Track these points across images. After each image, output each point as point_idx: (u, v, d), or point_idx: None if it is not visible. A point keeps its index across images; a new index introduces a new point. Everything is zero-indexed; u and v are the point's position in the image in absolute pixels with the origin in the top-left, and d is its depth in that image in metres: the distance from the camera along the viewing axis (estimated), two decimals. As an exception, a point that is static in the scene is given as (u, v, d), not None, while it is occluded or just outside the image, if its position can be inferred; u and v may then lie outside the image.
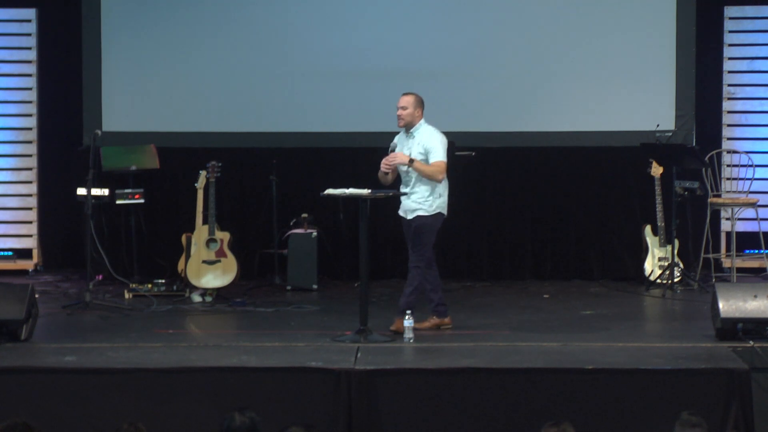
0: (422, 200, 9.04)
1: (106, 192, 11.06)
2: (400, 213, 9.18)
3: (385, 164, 9.09)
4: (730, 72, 11.99)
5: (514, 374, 7.84)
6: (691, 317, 9.84)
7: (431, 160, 9.00)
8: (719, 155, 11.80)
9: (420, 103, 9.12)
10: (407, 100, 9.08)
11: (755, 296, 8.49)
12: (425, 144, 9.02)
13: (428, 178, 8.99)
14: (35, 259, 12.09)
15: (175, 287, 10.69)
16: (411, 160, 8.99)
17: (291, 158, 11.70)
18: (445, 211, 9.12)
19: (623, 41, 11.72)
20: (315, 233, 11.29)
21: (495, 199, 11.96)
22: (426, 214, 9.04)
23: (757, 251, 11.68)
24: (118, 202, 11.12)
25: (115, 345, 8.52)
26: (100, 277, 11.20)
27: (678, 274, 11.02)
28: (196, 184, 10.62)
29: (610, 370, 7.85)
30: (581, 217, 11.92)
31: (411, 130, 9.10)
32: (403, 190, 9.11)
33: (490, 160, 11.79)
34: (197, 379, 7.80)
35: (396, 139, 9.23)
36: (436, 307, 9.18)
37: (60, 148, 12.07)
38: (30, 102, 12.11)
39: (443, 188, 9.07)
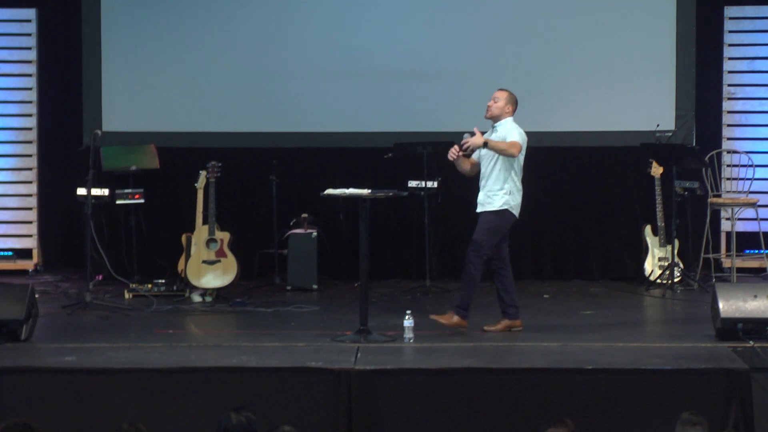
0: (492, 194, 8.99)
1: (106, 192, 11.07)
2: (477, 211, 9.09)
3: (453, 150, 8.97)
4: (730, 72, 11.99)
5: (514, 374, 7.85)
6: (691, 317, 9.84)
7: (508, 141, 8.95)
8: (719, 155, 11.80)
9: (513, 102, 9.08)
10: (500, 95, 9.08)
11: (755, 296, 8.49)
12: (504, 134, 8.97)
13: (504, 153, 8.85)
14: (35, 259, 12.09)
15: (175, 287, 10.69)
16: (485, 142, 8.88)
17: (291, 158, 11.70)
18: (515, 211, 9.04)
19: (623, 41, 11.72)
20: (315, 233, 11.29)
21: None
22: (493, 209, 8.97)
23: (757, 251, 11.68)
24: (118, 202, 11.13)
25: (115, 345, 8.52)
26: (100, 277, 11.20)
27: (678, 274, 11.02)
28: (196, 184, 10.62)
29: (610, 370, 7.85)
30: (581, 217, 11.92)
31: (496, 124, 9.06)
32: (479, 182, 9.06)
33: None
34: (197, 379, 7.80)
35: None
36: (507, 308, 9.15)
37: (60, 148, 12.06)
38: (30, 102, 12.11)
39: (516, 189, 9.03)
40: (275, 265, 11.41)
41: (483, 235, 8.95)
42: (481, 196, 9.07)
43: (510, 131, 8.99)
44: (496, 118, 9.07)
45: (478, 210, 9.07)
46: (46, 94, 12.09)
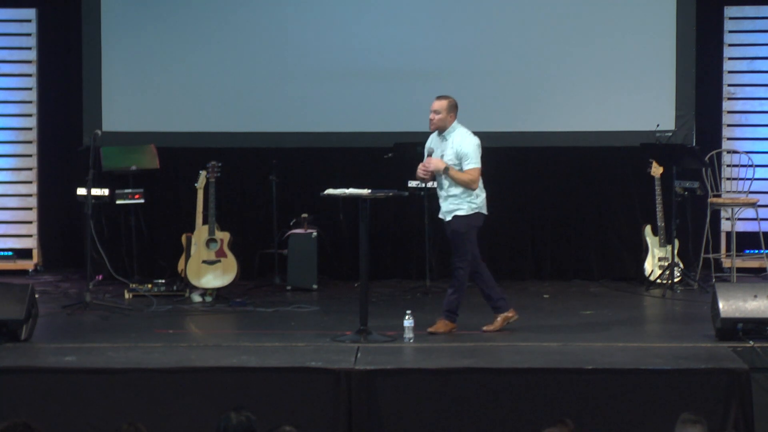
0: (459, 201, 9.02)
1: (106, 192, 11.07)
2: (440, 216, 9.12)
3: (421, 170, 9.06)
4: (730, 72, 11.99)
5: (514, 374, 7.85)
6: (691, 317, 9.85)
7: (465, 167, 8.95)
8: (719, 155, 11.81)
9: (453, 107, 9.08)
10: (440, 105, 9.05)
11: (755, 296, 8.49)
12: (458, 149, 8.98)
13: (463, 186, 8.96)
14: (35, 259, 12.09)
15: (175, 287, 10.69)
16: (446, 168, 8.96)
17: (291, 158, 11.70)
18: (484, 210, 9.09)
19: (623, 41, 11.72)
20: (315, 233, 11.29)
21: (495, 199, 11.87)
22: (463, 214, 8.99)
23: (757, 251, 11.68)
24: (118, 202, 11.13)
25: (115, 345, 8.52)
26: (100, 277, 11.20)
27: (678, 274, 11.02)
28: (196, 184, 10.62)
29: (610, 370, 7.85)
30: (581, 217, 11.92)
31: (444, 133, 9.08)
32: (438, 192, 9.10)
33: (490, 161, 11.71)
34: (197, 379, 7.80)
35: (430, 141, 9.19)
36: (496, 302, 9.17)
37: (60, 148, 12.07)
38: (30, 102, 12.11)
39: (480, 188, 9.07)
40: (275, 265, 11.41)
41: (462, 236, 8.98)
42: (446, 206, 9.04)
43: (462, 143, 8.99)
44: (441, 129, 9.08)
45: (447, 219, 9.03)
46: (46, 94, 12.09)
